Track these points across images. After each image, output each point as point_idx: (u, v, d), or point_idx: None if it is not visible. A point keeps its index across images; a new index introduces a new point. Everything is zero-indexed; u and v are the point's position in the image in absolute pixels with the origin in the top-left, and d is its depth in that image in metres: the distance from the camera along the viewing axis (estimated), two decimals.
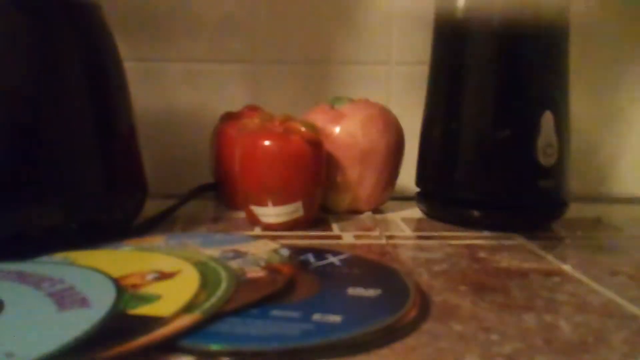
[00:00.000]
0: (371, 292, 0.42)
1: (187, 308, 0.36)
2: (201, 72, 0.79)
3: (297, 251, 0.49)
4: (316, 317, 0.37)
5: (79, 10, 0.52)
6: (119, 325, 0.34)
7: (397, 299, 0.41)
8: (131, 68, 0.58)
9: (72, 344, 0.31)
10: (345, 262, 0.49)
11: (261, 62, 0.80)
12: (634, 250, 0.58)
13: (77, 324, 0.33)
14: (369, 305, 0.40)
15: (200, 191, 0.72)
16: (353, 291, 0.42)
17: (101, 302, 0.36)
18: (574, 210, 0.66)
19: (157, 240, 0.52)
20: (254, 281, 0.41)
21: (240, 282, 0.41)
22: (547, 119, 0.60)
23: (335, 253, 0.51)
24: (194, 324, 0.34)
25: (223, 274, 0.42)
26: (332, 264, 0.48)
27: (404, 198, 0.74)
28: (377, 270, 0.49)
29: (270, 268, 0.44)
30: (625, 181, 0.85)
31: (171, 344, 0.33)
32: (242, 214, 0.65)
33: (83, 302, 0.36)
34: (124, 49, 0.57)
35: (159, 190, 0.66)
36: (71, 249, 0.47)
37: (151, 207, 0.61)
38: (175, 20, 0.78)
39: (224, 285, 0.39)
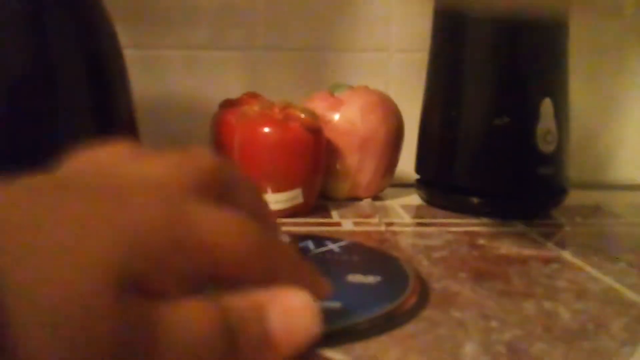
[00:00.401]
0: (370, 279, 0.42)
1: None
2: (200, 59, 0.79)
3: (296, 238, 0.49)
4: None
5: None
6: None
7: (397, 285, 0.41)
8: (130, 55, 0.58)
9: None
10: (345, 249, 0.49)
11: (260, 49, 0.80)
12: (634, 237, 0.58)
13: None
14: (369, 292, 0.40)
15: None
16: (352, 278, 0.42)
17: None
18: (574, 197, 0.66)
19: None
20: None
21: None
22: (547, 106, 0.60)
23: (334, 240, 0.51)
24: None
25: None
26: (331, 251, 0.48)
27: (404, 185, 0.74)
28: (376, 257, 0.49)
29: None
30: (625, 168, 0.85)
31: None
32: None
33: None
34: (123, 35, 0.57)
35: None
36: None
37: None
38: (174, 7, 0.78)
39: None
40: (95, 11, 0.53)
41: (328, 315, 0.35)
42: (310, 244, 0.50)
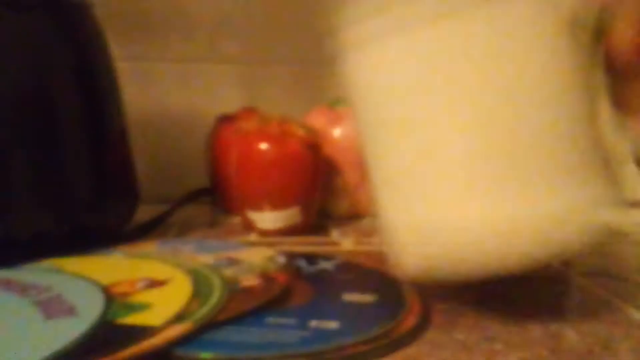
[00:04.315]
0: (367, 298, 0.41)
1: (178, 317, 0.35)
2: (196, 73, 0.79)
3: (289, 257, 0.49)
4: (313, 323, 0.36)
5: (70, 10, 0.51)
6: (107, 335, 0.33)
7: (394, 303, 0.40)
8: (124, 68, 0.57)
9: (58, 355, 0.30)
10: (338, 268, 0.49)
11: (258, 62, 0.79)
12: None
13: (63, 333, 0.32)
14: (366, 310, 0.39)
15: (195, 196, 0.72)
16: (348, 297, 0.41)
17: (89, 311, 0.35)
18: None
19: (149, 246, 0.52)
20: (248, 290, 0.41)
21: (233, 290, 0.40)
22: None
23: (327, 258, 0.51)
24: (184, 334, 0.33)
25: (216, 282, 0.41)
26: (325, 270, 0.48)
27: None
28: (371, 275, 0.48)
29: (265, 276, 0.43)
30: (631, 185, 0.84)
31: (161, 353, 0.32)
32: (238, 219, 0.64)
33: (70, 311, 0.35)
34: (116, 48, 0.56)
35: (153, 194, 0.65)
36: (61, 255, 0.47)
37: (145, 213, 0.60)
38: (169, 20, 0.77)
39: (216, 294, 0.39)
40: (86, 24, 0.53)
41: (327, 335, 0.34)
42: (303, 263, 0.49)
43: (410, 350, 0.34)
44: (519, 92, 0.33)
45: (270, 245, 0.53)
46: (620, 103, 0.36)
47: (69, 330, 0.32)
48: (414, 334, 0.36)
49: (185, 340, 0.33)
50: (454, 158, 0.33)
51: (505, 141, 0.33)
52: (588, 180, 0.34)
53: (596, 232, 0.35)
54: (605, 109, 0.36)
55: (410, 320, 0.38)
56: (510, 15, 0.33)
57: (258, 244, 0.53)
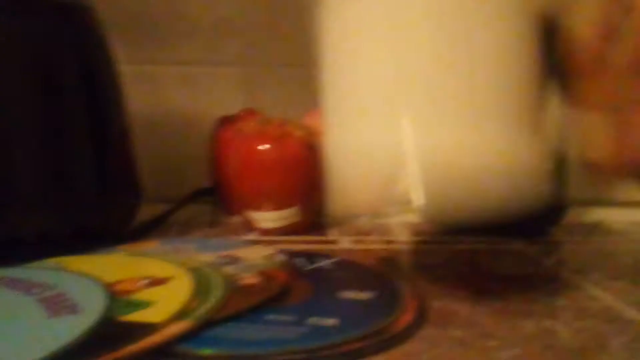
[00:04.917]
0: (364, 295, 0.42)
1: (179, 315, 0.35)
2: (197, 75, 0.79)
3: (289, 255, 0.49)
4: (312, 320, 0.37)
5: (73, 13, 0.52)
6: (110, 332, 0.33)
7: (390, 300, 0.41)
8: (126, 71, 0.58)
9: (62, 351, 0.30)
10: (337, 266, 0.49)
11: (258, 64, 0.79)
12: (634, 254, 0.57)
13: (67, 330, 0.32)
14: (364, 308, 0.40)
15: (196, 196, 0.72)
16: (346, 294, 0.42)
17: (92, 309, 0.36)
18: (574, 215, 0.65)
19: (151, 245, 0.52)
20: (248, 287, 0.41)
21: (233, 288, 0.40)
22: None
23: (326, 257, 0.51)
24: (185, 331, 0.34)
25: (217, 280, 0.41)
26: (323, 268, 0.48)
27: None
28: (369, 273, 0.49)
29: (264, 274, 0.44)
30: (625, 185, 0.84)
31: (163, 350, 0.32)
32: (239, 219, 0.65)
33: (74, 309, 0.36)
34: (118, 51, 0.56)
35: (155, 194, 0.66)
36: (64, 254, 0.47)
37: (147, 212, 0.61)
38: (171, 23, 0.77)
39: (217, 292, 0.39)
40: (89, 27, 0.53)
41: (325, 332, 0.35)
42: (301, 261, 0.50)
43: (407, 347, 0.35)
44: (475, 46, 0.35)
45: (269, 243, 0.53)
46: (576, 99, 0.36)
47: (72, 328, 0.33)
48: (410, 330, 0.37)
49: (186, 337, 0.33)
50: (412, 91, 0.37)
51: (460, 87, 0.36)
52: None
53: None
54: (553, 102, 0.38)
55: (406, 317, 0.38)
56: None
57: (258, 242, 0.53)
